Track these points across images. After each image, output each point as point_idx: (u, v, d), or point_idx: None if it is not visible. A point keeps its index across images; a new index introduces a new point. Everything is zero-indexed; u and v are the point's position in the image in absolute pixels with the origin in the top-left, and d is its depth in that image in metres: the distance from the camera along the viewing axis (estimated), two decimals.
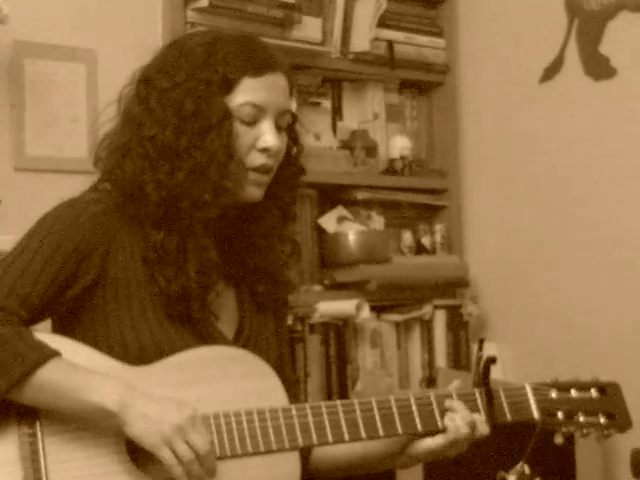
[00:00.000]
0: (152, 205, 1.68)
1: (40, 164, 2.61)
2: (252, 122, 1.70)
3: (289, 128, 1.78)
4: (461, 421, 1.72)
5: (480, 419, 1.74)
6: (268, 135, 1.70)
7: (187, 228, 1.69)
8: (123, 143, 1.71)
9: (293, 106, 1.82)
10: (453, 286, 3.31)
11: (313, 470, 1.81)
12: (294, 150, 1.80)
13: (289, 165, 1.79)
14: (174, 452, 1.55)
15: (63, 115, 2.63)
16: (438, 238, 3.32)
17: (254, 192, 1.73)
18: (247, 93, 1.70)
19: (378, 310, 3.14)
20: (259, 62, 1.70)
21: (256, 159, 1.71)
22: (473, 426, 1.72)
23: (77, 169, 2.53)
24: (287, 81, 1.74)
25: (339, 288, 3.07)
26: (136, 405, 1.56)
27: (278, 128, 1.73)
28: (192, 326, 1.70)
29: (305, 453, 1.75)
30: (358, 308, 3.02)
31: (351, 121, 3.23)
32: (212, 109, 1.67)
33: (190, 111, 1.67)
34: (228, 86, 1.69)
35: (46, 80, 2.61)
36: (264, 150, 1.71)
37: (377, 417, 1.71)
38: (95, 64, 2.68)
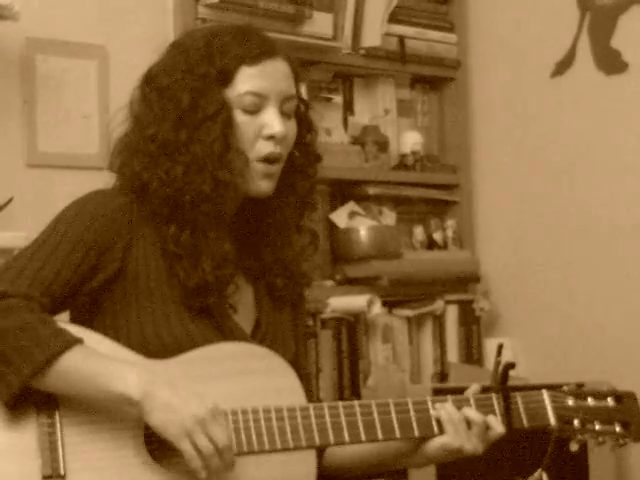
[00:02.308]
0: (159, 202, 1.69)
1: (52, 160, 2.61)
2: (255, 111, 1.70)
3: (301, 115, 1.77)
4: (447, 407, 1.72)
5: (495, 419, 1.74)
6: (273, 122, 1.70)
7: (196, 222, 1.69)
8: (128, 143, 1.72)
9: (303, 93, 1.81)
10: (465, 281, 3.31)
11: (327, 468, 1.81)
12: (308, 137, 1.79)
13: (304, 153, 1.78)
14: (194, 444, 1.56)
15: (74, 111, 2.63)
16: (450, 233, 3.31)
17: (264, 185, 1.72)
18: (246, 82, 1.70)
19: (390, 305, 3.14)
20: (255, 50, 1.70)
21: (263, 148, 1.71)
22: (461, 415, 1.72)
23: (88, 165, 2.54)
24: (289, 66, 1.74)
25: (351, 283, 3.08)
26: (158, 395, 1.56)
27: (284, 114, 1.72)
28: (211, 320, 1.71)
29: (319, 451, 1.75)
30: (370, 303, 3.02)
31: (362, 116, 3.23)
32: (208, 101, 1.68)
33: (187, 105, 1.68)
34: (226, 78, 1.69)
35: (57, 77, 2.61)
36: (270, 137, 1.70)
37: (394, 419, 1.71)
38: (106, 60, 2.68)
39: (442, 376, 3.19)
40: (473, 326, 3.27)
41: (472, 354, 3.25)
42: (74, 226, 1.67)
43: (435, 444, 1.73)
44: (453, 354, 3.23)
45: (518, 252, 3.30)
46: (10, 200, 2.48)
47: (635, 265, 3.06)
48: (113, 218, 1.68)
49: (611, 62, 3.10)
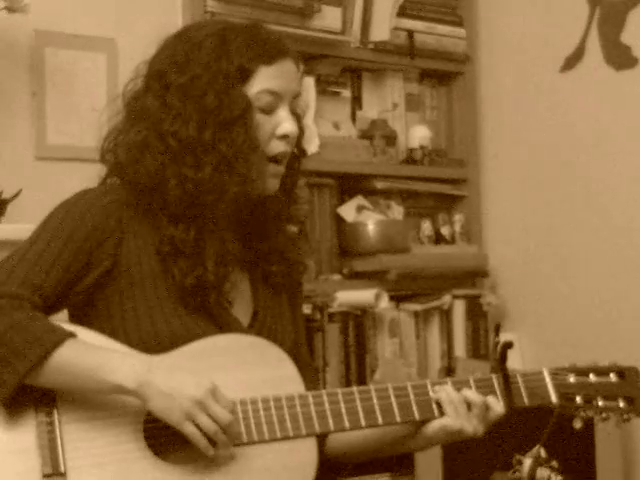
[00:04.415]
0: (173, 200, 1.68)
1: (60, 153, 2.62)
2: (270, 110, 1.71)
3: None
4: (447, 389, 1.73)
5: (494, 400, 1.74)
6: (287, 122, 1.71)
7: (208, 221, 1.69)
8: (140, 140, 1.69)
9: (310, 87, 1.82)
10: (472, 276, 3.31)
11: (329, 454, 1.81)
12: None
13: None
14: (197, 426, 1.57)
15: (83, 104, 2.64)
16: (457, 228, 3.31)
17: (274, 184, 1.74)
18: (264, 81, 1.70)
19: (397, 300, 3.14)
20: (272, 49, 1.71)
21: (276, 147, 1.72)
22: (461, 396, 1.73)
23: (97, 158, 2.54)
24: (296, 66, 1.75)
25: (358, 277, 3.08)
26: (154, 382, 1.57)
27: (293, 113, 1.74)
28: (208, 314, 1.71)
29: (321, 437, 1.75)
30: (377, 297, 3.02)
31: (371, 110, 3.23)
32: (234, 101, 1.68)
33: (212, 104, 1.67)
34: (245, 76, 1.70)
35: (67, 69, 2.62)
36: (283, 137, 1.72)
37: (394, 403, 1.71)
38: (115, 53, 2.69)
39: (449, 371, 3.19)
40: (480, 321, 3.27)
41: (479, 349, 3.25)
42: (64, 225, 1.66)
43: (435, 426, 1.73)
44: (460, 349, 3.23)
45: (526, 247, 3.29)
46: (19, 192, 2.48)
47: None
48: (103, 216, 1.67)
49: (621, 57, 3.09)
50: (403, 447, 1.81)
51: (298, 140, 1.80)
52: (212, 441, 1.59)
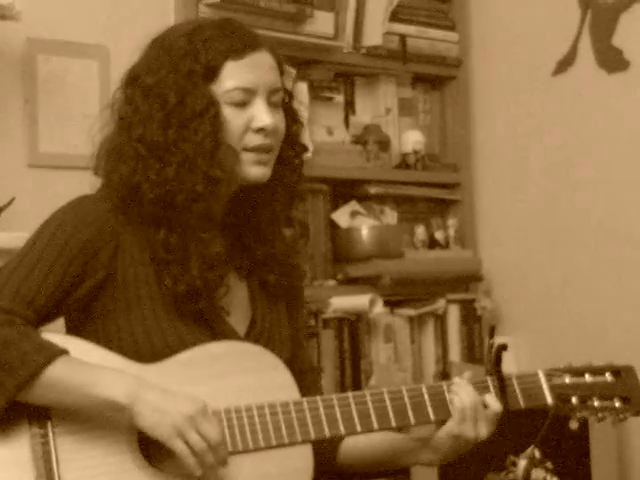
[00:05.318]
0: (149, 204, 1.67)
1: (53, 161, 2.61)
2: (243, 104, 1.69)
3: (286, 106, 1.76)
4: (464, 394, 1.71)
5: (491, 397, 1.73)
6: (262, 115, 1.68)
7: (187, 223, 1.67)
8: (115, 147, 1.70)
9: (288, 84, 1.80)
10: (466, 280, 3.31)
11: (340, 464, 1.81)
12: (294, 128, 1.78)
13: (290, 144, 1.77)
14: (186, 443, 1.55)
15: (76, 111, 2.63)
16: (451, 232, 3.32)
17: (257, 171, 1.70)
18: (233, 77, 1.68)
19: (391, 305, 3.14)
20: (239, 44, 1.69)
21: (253, 140, 1.69)
22: (479, 400, 1.71)
23: (90, 166, 2.53)
24: (273, 58, 1.72)
25: (352, 283, 3.08)
26: (146, 397, 1.56)
27: (272, 106, 1.71)
28: (203, 323, 1.70)
29: (332, 447, 1.76)
30: (371, 303, 3.02)
31: (364, 116, 3.23)
32: (195, 99, 1.66)
33: (174, 104, 1.66)
34: (212, 73, 1.68)
35: (59, 77, 2.61)
36: (259, 130, 1.69)
37: (389, 408, 1.71)
38: (107, 60, 2.68)
39: (444, 375, 3.19)
40: (475, 325, 3.27)
41: (474, 353, 3.25)
42: (57, 236, 1.65)
43: (443, 431, 1.72)
44: (455, 353, 3.23)
45: (520, 251, 3.30)
46: (12, 200, 2.48)
47: (637, 262, 3.05)
48: (96, 226, 1.66)
49: (612, 60, 3.10)
50: (414, 459, 1.79)
51: (296, 136, 1.78)
52: (200, 461, 1.56)
